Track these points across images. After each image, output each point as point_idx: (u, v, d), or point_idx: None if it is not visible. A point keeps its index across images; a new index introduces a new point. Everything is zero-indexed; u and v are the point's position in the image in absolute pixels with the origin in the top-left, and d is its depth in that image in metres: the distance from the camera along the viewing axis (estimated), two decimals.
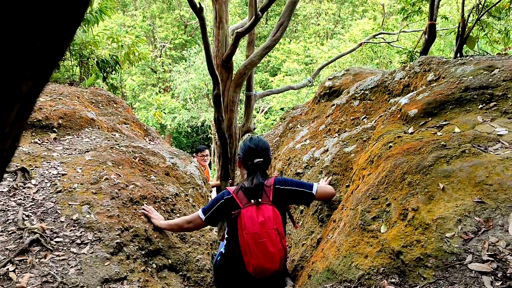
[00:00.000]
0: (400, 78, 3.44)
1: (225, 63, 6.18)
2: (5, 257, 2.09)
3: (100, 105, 4.80)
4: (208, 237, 3.26)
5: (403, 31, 10.97)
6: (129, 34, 7.89)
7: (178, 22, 23.55)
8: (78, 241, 2.31)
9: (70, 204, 2.53)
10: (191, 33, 23.94)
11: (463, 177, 1.87)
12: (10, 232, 2.26)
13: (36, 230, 2.27)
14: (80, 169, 2.92)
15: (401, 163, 2.14)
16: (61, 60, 6.04)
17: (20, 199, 2.55)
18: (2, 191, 2.58)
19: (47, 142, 3.40)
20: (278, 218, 2.39)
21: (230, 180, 5.55)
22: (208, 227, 3.13)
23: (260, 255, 2.31)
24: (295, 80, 17.59)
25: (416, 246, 1.73)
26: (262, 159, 2.54)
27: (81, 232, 2.37)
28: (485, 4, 4.50)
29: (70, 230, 2.37)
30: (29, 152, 3.08)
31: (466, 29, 3.94)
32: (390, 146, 2.42)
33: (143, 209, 2.81)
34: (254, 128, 7.79)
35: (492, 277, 1.46)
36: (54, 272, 2.06)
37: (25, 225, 2.31)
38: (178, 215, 3.06)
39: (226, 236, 2.57)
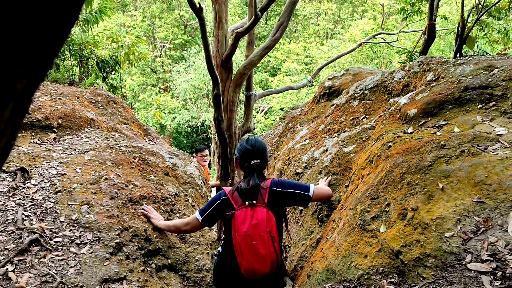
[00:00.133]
0: (400, 78, 3.44)
1: (224, 63, 6.18)
2: (4, 257, 2.09)
3: (100, 105, 4.80)
4: (207, 237, 3.26)
5: (403, 31, 10.97)
6: (129, 34, 7.89)
7: (178, 22, 23.55)
8: (78, 241, 2.31)
9: (69, 204, 2.53)
10: (191, 33, 23.94)
11: (462, 177, 1.87)
12: (9, 232, 2.26)
13: (35, 230, 2.27)
14: (79, 169, 2.92)
15: (401, 163, 2.14)
16: (61, 60, 6.04)
17: (20, 199, 2.55)
18: (1, 191, 2.58)
19: (46, 142, 3.40)
20: (271, 220, 2.37)
21: (230, 180, 5.55)
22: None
23: (251, 257, 2.30)
24: (295, 80, 17.59)
25: (415, 246, 1.73)
26: (258, 161, 2.52)
27: (80, 232, 2.37)
28: (484, 4, 4.50)
29: (70, 230, 2.37)
30: (28, 152, 3.08)
31: (466, 29, 3.94)
32: (390, 146, 2.42)
33: (143, 209, 2.82)
34: (254, 128, 7.79)
35: (492, 276, 1.46)
36: (54, 272, 2.06)
37: (25, 225, 2.31)
38: (177, 215, 3.06)
39: (223, 236, 2.58)
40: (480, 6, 4.37)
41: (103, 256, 2.27)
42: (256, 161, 2.51)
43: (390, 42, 10.89)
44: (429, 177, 1.96)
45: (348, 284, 1.89)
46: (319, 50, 18.80)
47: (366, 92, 3.70)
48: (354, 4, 23.47)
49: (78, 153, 3.28)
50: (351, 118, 3.60)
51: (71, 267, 2.14)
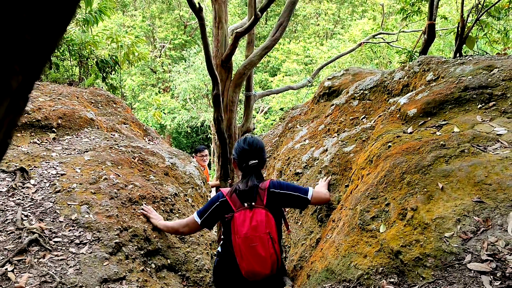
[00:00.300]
0: (400, 78, 3.44)
1: (224, 63, 6.18)
2: (3, 257, 2.09)
3: (100, 105, 4.79)
4: (207, 237, 3.25)
5: (403, 31, 10.97)
6: (129, 34, 7.89)
7: (178, 22, 23.55)
8: (77, 241, 2.31)
9: (69, 204, 2.53)
10: (190, 33, 23.94)
11: (462, 177, 1.87)
12: (8, 232, 2.26)
13: (35, 230, 2.27)
14: (79, 169, 2.91)
15: (400, 163, 2.14)
16: (61, 60, 6.04)
17: (19, 199, 2.55)
18: (1, 191, 2.58)
19: (46, 142, 3.40)
20: (271, 222, 2.35)
21: (230, 180, 5.54)
22: None
23: (251, 259, 2.29)
24: (295, 80, 17.59)
25: (415, 246, 1.73)
26: (256, 161, 2.48)
27: (80, 232, 2.36)
28: (484, 4, 4.50)
29: (69, 230, 2.36)
30: (28, 152, 3.08)
31: (466, 29, 3.94)
32: (389, 146, 2.42)
33: (142, 209, 2.81)
34: (254, 128, 7.79)
35: (491, 276, 1.46)
36: (53, 272, 2.06)
37: (24, 225, 2.31)
38: (177, 215, 3.06)
39: (222, 237, 2.56)
40: (480, 6, 4.37)
41: (103, 256, 2.26)
42: (254, 161, 2.48)
43: (390, 42, 10.89)
44: (429, 177, 1.96)
45: (347, 284, 1.89)
46: (319, 50, 18.80)
47: (366, 92, 3.70)
48: (354, 4, 23.47)
49: (78, 153, 3.28)
50: (350, 118, 3.60)
51: (70, 267, 2.13)
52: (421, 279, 1.63)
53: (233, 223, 2.34)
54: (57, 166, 2.93)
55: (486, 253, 1.54)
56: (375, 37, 11.29)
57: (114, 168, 3.06)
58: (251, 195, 2.39)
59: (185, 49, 21.59)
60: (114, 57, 6.60)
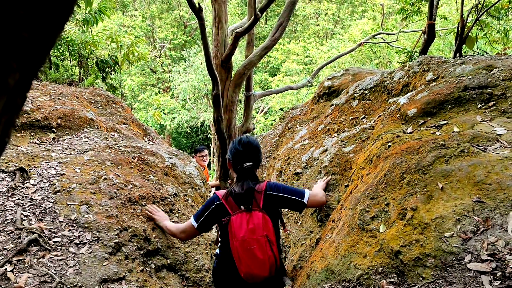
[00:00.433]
0: (399, 78, 3.44)
1: (224, 63, 6.18)
2: (3, 257, 2.08)
3: (99, 105, 4.79)
4: (207, 237, 3.25)
5: (403, 31, 10.98)
6: (129, 35, 7.88)
7: (178, 22, 23.55)
8: (77, 241, 2.31)
9: (68, 204, 2.53)
10: (190, 34, 23.94)
11: (462, 177, 1.87)
12: (8, 232, 2.26)
13: (34, 230, 2.26)
14: (78, 169, 2.91)
15: (400, 163, 2.14)
16: (60, 60, 6.04)
17: (19, 199, 2.55)
18: (0, 191, 2.58)
19: (46, 142, 3.39)
20: (268, 224, 2.34)
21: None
22: None
23: (250, 262, 2.27)
24: (295, 80, 17.59)
25: (415, 246, 1.73)
26: (251, 163, 2.44)
27: (79, 232, 2.36)
28: (484, 4, 4.50)
29: (69, 230, 2.36)
30: (27, 152, 3.08)
31: (465, 29, 3.94)
32: (389, 146, 2.42)
33: (147, 208, 2.81)
34: (254, 128, 7.80)
35: (491, 276, 1.46)
36: (52, 272, 2.06)
37: (24, 225, 2.30)
38: (176, 215, 3.06)
39: (219, 240, 2.55)
40: (479, 6, 4.37)
41: (102, 256, 2.26)
42: (248, 164, 2.43)
43: (389, 42, 10.90)
44: (429, 177, 1.96)
45: (347, 284, 1.89)
46: (318, 50, 18.80)
47: (366, 92, 3.70)
48: (354, 4, 23.48)
49: (77, 153, 3.28)
50: (350, 118, 3.60)
51: (70, 267, 2.13)
52: (421, 279, 1.63)
53: (230, 226, 2.32)
54: (57, 166, 2.93)
55: (486, 253, 1.54)
56: (375, 37, 11.30)
57: (114, 168, 3.06)
58: (247, 197, 2.37)
59: (185, 49, 21.59)
60: (114, 57, 6.59)
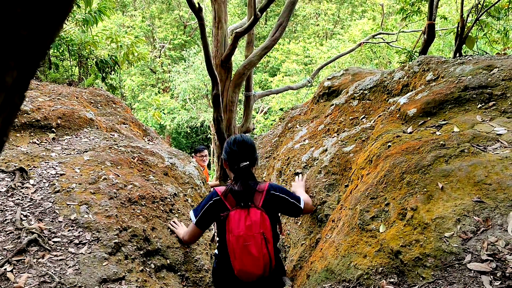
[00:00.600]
0: (399, 78, 3.44)
1: (224, 63, 6.18)
2: (2, 257, 2.08)
3: (99, 105, 4.79)
4: (206, 237, 3.25)
5: (402, 31, 10.99)
6: (128, 35, 7.88)
7: (178, 22, 23.55)
8: (76, 241, 2.30)
9: (68, 204, 2.53)
10: (190, 34, 23.94)
11: (462, 177, 1.87)
12: (8, 232, 2.26)
13: (34, 230, 2.26)
14: (78, 169, 2.91)
15: (400, 163, 2.13)
16: (60, 60, 6.04)
17: (18, 199, 2.54)
18: (0, 191, 2.57)
19: (45, 142, 3.39)
20: (266, 222, 2.34)
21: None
22: None
23: (244, 258, 2.28)
24: (295, 80, 17.59)
25: (415, 246, 1.73)
26: (248, 163, 2.45)
27: (79, 232, 2.36)
28: (484, 4, 4.50)
29: (68, 230, 2.36)
30: (27, 152, 3.07)
31: (465, 29, 3.94)
32: (389, 146, 2.41)
33: (171, 223, 2.84)
34: (253, 129, 7.80)
35: (491, 276, 1.46)
36: (52, 272, 2.06)
37: (23, 225, 2.30)
38: (176, 215, 3.06)
39: (217, 239, 2.56)
40: (479, 6, 4.37)
41: (102, 256, 2.26)
42: (245, 163, 2.44)
43: (389, 42, 10.90)
44: (429, 177, 1.96)
45: (347, 284, 1.88)
46: (318, 50, 18.80)
47: (366, 92, 3.70)
48: (354, 4, 23.48)
49: (77, 153, 3.27)
50: (350, 118, 3.60)
51: (69, 267, 2.13)
52: (421, 279, 1.63)
53: (228, 222, 2.34)
54: (57, 166, 2.92)
55: (486, 253, 1.53)
56: (375, 37, 11.31)
57: (114, 168, 3.06)
58: (247, 195, 2.39)
59: (184, 49, 21.59)
60: (113, 57, 6.59)
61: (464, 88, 2.50)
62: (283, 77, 18.72)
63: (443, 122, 2.41)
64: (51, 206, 2.51)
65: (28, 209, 2.46)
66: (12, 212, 2.40)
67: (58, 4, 0.34)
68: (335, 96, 4.51)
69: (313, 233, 2.84)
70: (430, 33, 4.23)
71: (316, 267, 2.22)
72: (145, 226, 2.68)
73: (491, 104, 2.34)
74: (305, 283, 2.26)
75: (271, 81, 18.89)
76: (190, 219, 2.58)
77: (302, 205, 2.58)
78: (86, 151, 3.29)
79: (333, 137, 3.49)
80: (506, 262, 1.47)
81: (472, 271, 1.51)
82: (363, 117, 3.49)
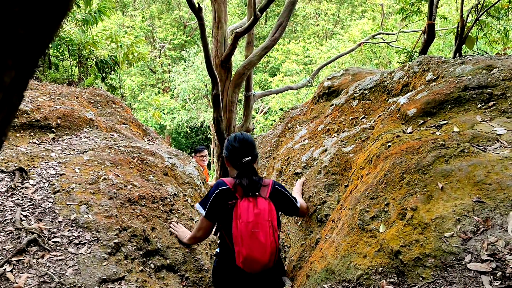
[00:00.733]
0: (399, 78, 3.43)
1: (224, 63, 6.17)
2: (2, 257, 2.08)
3: (99, 105, 4.79)
4: None
5: (402, 31, 10.99)
6: (128, 35, 7.89)
7: (177, 22, 23.55)
8: (76, 241, 2.30)
9: (68, 204, 2.52)
10: (190, 34, 23.94)
11: (462, 177, 1.86)
12: (7, 232, 2.26)
13: (33, 230, 2.26)
14: (78, 169, 2.91)
15: (400, 163, 2.13)
16: (60, 60, 6.04)
17: (18, 199, 2.54)
18: (0, 191, 2.57)
19: (45, 142, 3.39)
20: (273, 212, 2.44)
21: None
22: None
23: (252, 245, 2.32)
24: (294, 80, 17.59)
25: (415, 246, 1.73)
26: (250, 158, 2.54)
27: (79, 232, 2.36)
28: (484, 4, 4.50)
29: (68, 230, 2.36)
30: (27, 152, 3.07)
31: (465, 29, 3.94)
32: (389, 146, 2.41)
33: (170, 226, 2.85)
34: (253, 129, 7.80)
35: (491, 276, 1.45)
36: (52, 272, 2.06)
37: (23, 225, 2.30)
38: (176, 215, 3.06)
39: (219, 233, 2.57)
40: (479, 6, 4.37)
41: (102, 256, 2.26)
42: (247, 158, 2.53)
43: (389, 42, 10.91)
44: (429, 177, 1.96)
45: (347, 284, 1.88)
46: (318, 51, 18.81)
47: (366, 92, 3.70)
48: (354, 4, 23.48)
49: (77, 153, 3.27)
50: (350, 118, 3.60)
51: (69, 267, 2.13)
52: (421, 279, 1.62)
53: (235, 210, 2.38)
54: (56, 166, 2.92)
55: (486, 253, 1.53)
56: (375, 37, 11.31)
57: (113, 168, 3.06)
58: (254, 187, 2.46)
59: (184, 49, 21.59)
60: (113, 57, 6.59)
61: (464, 88, 2.50)
62: (283, 77, 18.73)
63: (443, 122, 2.41)
64: (50, 206, 2.51)
65: (27, 209, 2.46)
66: (12, 212, 2.40)
67: (56, 3, 0.34)
68: (335, 96, 4.51)
69: (313, 233, 2.84)
70: (430, 33, 4.23)
71: (316, 267, 2.22)
72: (145, 226, 2.68)
73: (491, 104, 2.34)
74: (305, 283, 2.26)
75: (271, 81, 18.89)
76: (198, 212, 2.59)
77: (298, 205, 2.72)
78: (86, 151, 3.29)
79: (333, 137, 3.49)
80: (506, 262, 1.47)
81: (472, 271, 1.51)
82: (363, 117, 3.49)
